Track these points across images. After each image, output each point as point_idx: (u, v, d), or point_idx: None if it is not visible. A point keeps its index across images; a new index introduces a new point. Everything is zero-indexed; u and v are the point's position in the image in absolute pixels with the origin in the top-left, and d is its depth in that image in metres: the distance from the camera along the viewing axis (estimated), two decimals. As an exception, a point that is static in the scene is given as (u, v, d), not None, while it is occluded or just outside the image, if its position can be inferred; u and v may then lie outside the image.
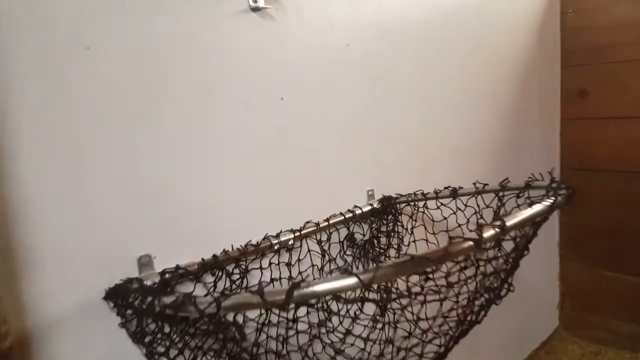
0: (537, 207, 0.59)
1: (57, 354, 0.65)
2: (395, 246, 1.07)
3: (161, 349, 0.66)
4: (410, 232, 1.05)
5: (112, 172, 0.70)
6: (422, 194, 1.01)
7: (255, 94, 0.87)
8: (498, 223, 0.51)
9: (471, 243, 0.47)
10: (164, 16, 0.74)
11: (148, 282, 0.72)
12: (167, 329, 0.66)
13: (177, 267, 0.77)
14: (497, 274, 0.65)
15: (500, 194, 0.88)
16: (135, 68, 0.71)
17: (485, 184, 0.91)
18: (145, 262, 0.75)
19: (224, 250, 0.82)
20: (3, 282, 0.60)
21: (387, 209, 1.06)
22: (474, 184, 0.93)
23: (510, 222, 0.54)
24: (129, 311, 0.68)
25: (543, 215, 0.61)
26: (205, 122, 0.80)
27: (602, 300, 1.73)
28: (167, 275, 0.76)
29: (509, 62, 1.50)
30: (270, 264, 0.88)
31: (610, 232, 1.68)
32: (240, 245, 0.84)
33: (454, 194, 0.95)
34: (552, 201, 0.62)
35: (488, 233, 0.50)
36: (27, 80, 0.62)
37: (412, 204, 1.04)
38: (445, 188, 0.97)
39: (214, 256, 0.81)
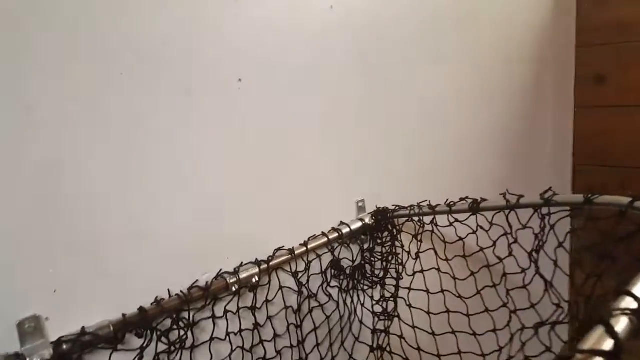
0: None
1: None
2: (394, 274, 0.83)
3: None
4: (414, 257, 0.81)
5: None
6: (430, 206, 0.77)
7: (200, 76, 0.60)
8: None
9: None
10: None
11: None
12: None
13: (83, 331, 0.51)
14: None
15: (544, 210, 0.65)
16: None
17: (521, 196, 0.67)
18: (30, 330, 0.49)
19: (156, 298, 0.57)
20: None
21: (383, 225, 0.82)
22: (504, 195, 0.69)
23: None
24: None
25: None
26: (126, 120, 0.54)
27: None
28: (64, 346, 0.50)
29: (519, 42, 1.27)
30: (226, 311, 0.63)
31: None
32: (181, 291, 0.59)
33: (476, 207, 0.70)
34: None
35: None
36: None
37: (416, 219, 0.80)
38: (463, 199, 0.73)
39: (141, 309, 0.55)
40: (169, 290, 0.58)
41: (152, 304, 0.57)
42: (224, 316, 0.63)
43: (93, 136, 0.52)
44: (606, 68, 1.43)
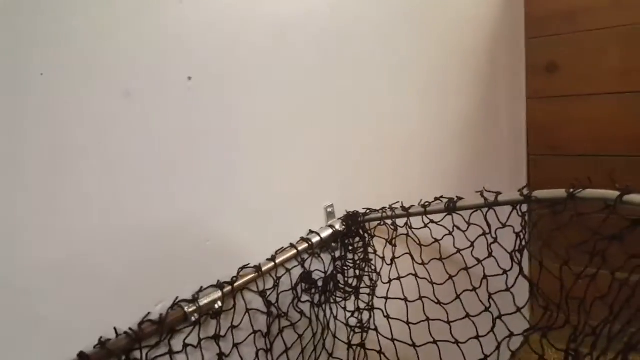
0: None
1: None
2: (369, 282, 0.77)
3: None
4: (389, 263, 0.76)
5: None
6: (403, 207, 0.72)
7: (142, 76, 0.51)
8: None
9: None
10: None
11: None
12: None
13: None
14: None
15: (524, 206, 0.61)
16: None
17: (498, 193, 0.63)
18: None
19: (100, 339, 0.48)
20: None
21: (354, 231, 0.76)
22: (481, 193, 0.65)
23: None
24: None
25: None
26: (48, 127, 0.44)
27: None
28: None
29: (470, 35, 1.25)
30: (185, 345, 0.55)
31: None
32: (130, 328, 0.50)
33: (452, 207, 0.66)
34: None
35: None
36: None
37: (389, 222, 0.74)
38: (437, 199, 0.69)
39: (81, 355, 0.46)
40: (115, 328, 0.49)
41: (95, 346, 0.47)
42: (183, 350, 0.55)
43: (11, 153, 0.42)
44: (557, 57, 1.45)
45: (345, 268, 0.75)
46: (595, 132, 1.43)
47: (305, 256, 0.70)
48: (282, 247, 0.68)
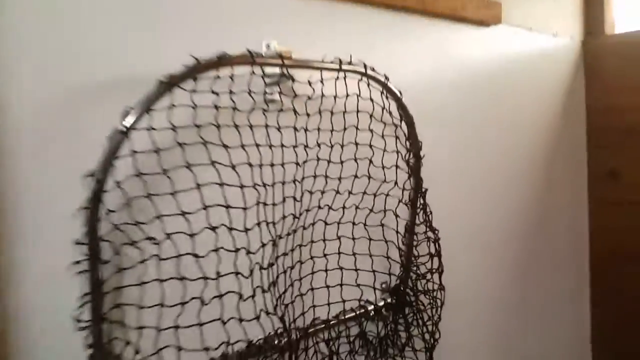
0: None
1: None
2: (420, 336, 0.96)
3: None
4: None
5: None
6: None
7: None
8: None
9: None
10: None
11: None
12: None
13: None
14: None
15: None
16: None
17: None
18: None
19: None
20: None
21: (404, 302, 0.97)
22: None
23: None
24: None
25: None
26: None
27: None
28: None
29: (533, 143, 1.45)
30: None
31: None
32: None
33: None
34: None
35: None
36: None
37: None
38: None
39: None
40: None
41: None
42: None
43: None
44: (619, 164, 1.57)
45: (399, 329, 0.95)
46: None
47: (362, 319, 0.92)
48: (344, 309, 0.91)
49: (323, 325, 0.86)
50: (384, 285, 0.97)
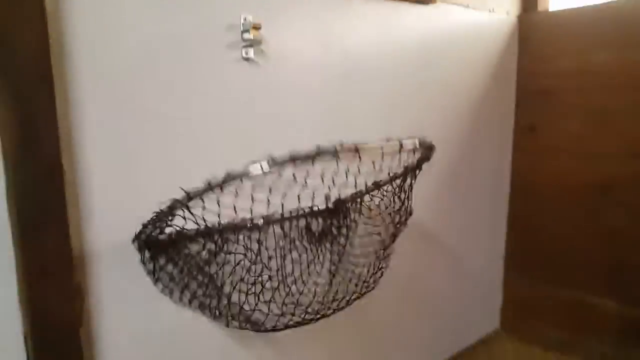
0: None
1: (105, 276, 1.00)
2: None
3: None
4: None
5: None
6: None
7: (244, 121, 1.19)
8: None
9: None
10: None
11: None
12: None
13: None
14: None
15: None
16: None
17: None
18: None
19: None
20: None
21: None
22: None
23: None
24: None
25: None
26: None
27: (537, 308, 2.00)
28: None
29: (471, 98, 1.81)
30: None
31: (547, 250, 1.96)
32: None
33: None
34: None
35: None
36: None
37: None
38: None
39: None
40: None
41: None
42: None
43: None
44: (537, 121, 1.94)
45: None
46: (559, 179, 1.90)
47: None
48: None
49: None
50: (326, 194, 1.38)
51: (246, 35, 1.15)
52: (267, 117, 1.23)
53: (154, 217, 1.06)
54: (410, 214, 1.28)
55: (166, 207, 1.07)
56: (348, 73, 1.40)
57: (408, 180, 1.19)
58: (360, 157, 1.24)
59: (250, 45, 1.17)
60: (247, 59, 1.17)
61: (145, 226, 1.05)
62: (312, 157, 1.17)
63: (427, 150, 1.18)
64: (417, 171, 1.19)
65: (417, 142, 1.21)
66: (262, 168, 1.12)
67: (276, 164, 1.13)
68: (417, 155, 1.21)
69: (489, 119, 1.91)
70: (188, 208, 1.06)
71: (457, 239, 1.87)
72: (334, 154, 1.19)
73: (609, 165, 1.75)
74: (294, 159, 1.14)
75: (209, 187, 1.12)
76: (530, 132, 1.97)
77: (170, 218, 1.07)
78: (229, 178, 1.13)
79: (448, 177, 1.77)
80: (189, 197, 1.10)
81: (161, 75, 1.05)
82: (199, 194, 1.11)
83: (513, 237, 2.07)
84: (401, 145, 1.20)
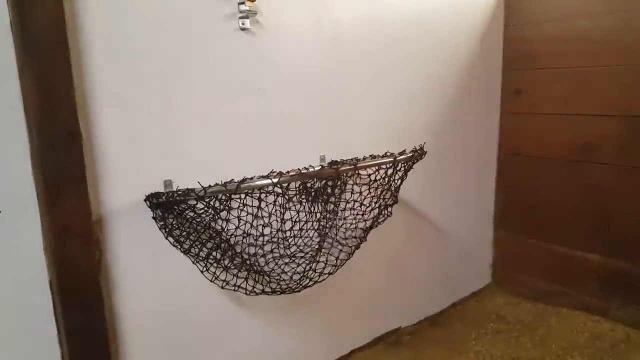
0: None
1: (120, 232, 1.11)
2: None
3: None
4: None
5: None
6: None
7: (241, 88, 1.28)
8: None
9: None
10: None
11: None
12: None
13: (187, 189, 1.18)
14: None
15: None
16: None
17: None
18: (167, 184, 1.18)
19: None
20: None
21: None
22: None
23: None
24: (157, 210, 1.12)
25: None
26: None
27: (526, 263, 2.12)
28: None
29: (458, 65, 1.89)
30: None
31: (534, 208, 2.07)
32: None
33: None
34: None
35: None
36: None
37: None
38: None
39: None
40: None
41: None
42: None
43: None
44: (523, 85, 2.02)
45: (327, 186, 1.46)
46: (544, 141, 1.99)
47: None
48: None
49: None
50: (321, 156, 1.48)
51: (242, 7, 1.23)
52: (262, 79, 1.32)
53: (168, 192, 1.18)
54: (395, 202, 1.50)
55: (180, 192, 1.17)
56: (338, 42, 1.48)
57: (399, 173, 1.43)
58: (359, 174, 1.41)
59: (247, 17, 1.25)
60: (243, 29, 1.25)
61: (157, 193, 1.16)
62: (316, 175, 1.32)
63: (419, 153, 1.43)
64: (410, 164, 1.44)
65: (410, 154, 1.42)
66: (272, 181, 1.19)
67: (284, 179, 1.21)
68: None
69: (477, 84, 1.99)
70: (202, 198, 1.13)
71: (450, 200, 1.98)
72: (336, 170, 1.27)
73: (590, 125, 1.85)
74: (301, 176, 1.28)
75: (225, 190, 1.16)
76: (517, 96, 2.05)
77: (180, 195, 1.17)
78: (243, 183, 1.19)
79: (439, 141, 1.86)
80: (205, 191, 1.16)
81: (166, 46, 1.13)
82: (214, 194, 1.17)
83: (502, 196, 2.18)
84: (395, 159, 1.37)
